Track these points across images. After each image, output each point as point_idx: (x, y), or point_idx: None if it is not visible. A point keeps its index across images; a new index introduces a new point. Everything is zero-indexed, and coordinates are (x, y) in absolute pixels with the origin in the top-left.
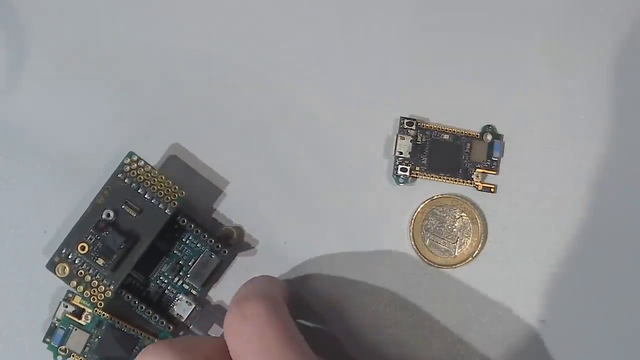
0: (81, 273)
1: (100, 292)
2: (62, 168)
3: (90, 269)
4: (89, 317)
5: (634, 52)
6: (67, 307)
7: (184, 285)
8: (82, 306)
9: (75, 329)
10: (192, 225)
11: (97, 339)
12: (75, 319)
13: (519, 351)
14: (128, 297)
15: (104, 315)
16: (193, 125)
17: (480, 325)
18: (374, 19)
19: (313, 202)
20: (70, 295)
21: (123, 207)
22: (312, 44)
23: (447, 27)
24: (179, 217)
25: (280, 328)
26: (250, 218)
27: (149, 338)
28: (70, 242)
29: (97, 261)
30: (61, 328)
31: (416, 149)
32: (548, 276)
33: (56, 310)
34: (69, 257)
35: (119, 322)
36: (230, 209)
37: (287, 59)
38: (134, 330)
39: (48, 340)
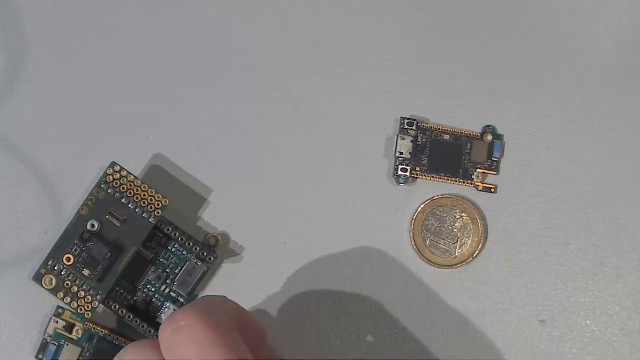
0: (67, 284)
1: (87, 303)
2: (64, 165)
3: (76, 280)
4: (80, 331)
5: (634, 51)
6: (57, 322)
7: (170, 293)
8: (73, 321)
9: (67, 344)
10: (177, 233)
11: (88, 353)
12: (66, 334)
13: (519, 351)
14: (115, 307)
15: (94, 329)
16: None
17: (480, 325)
18: (374, 19)
19: (313, 202)
20: (61, 310)
21: (107, 217)
22: (311, 44)
23: (447, 27)
24: (163, 226)
25: (218, 338)
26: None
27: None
28: (55, 253)
29: (82, 272)
30: (52, 343)
31: (416, 149)
32: (548, 276)
33: (47, 326)
34: (55, 268)
35: (110, 335)
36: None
37: (287, 60)
38: (125, 342)
39: (40, 356)
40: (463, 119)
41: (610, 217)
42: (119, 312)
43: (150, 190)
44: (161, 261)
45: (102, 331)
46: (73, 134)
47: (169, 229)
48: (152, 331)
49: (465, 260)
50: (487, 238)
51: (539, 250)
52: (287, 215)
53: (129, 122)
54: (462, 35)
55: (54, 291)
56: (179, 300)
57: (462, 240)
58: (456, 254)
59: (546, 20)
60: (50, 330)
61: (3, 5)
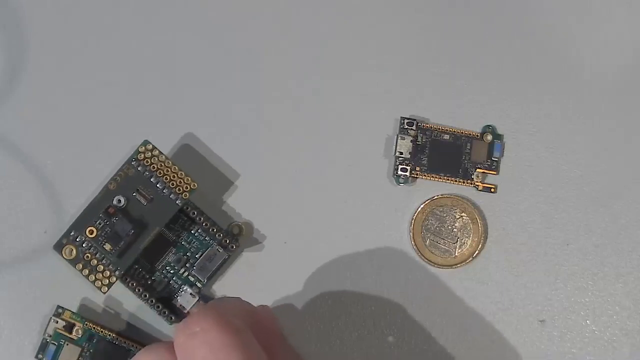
0: (87, 257)
1: (105, 277)
2: (64, 165)
3: (97, 253)
4: (80, 331)
5: (634, 52)
6: (57, 322)
7: (189, 277)
8: (73, 321)
9: (67, 344)
10: (202, 218)
11: (88, 353)
12: (66, 334)
13: (519, 351)
14: (132, 285)
15: (94, 329)
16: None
17: (480, 325)
18: (374, 19)
19: (313, 202)
20: (61, 310)
21: (134, 194)
22: (311, 44)
23: (447, 27)
24: (189, 209)
25: (231, 340)
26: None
27: (140, 349)
28: (79, 225)
29: (104, 246)
30: (52, 343)
31: (416, 149)
32: (548, 276)
33: (47, 326)
34: (77, 240)
35: (110, 335)
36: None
37: (287, 60)
38: (125, 342)
39: (40, 356)
40: (463, 119)
41: (610, 217)
42: (136, 290)
43: (180, 172)
44: (183, 244)
45: (102, 331)
46: (73, 134)
47: (194, 213)
48: (166, 312)
49: (465, 260)
50: (487, 238)
51: (539, 250)
52: (287, 215)
53: (129, 122)
54: (462, 35)
55: (73, 262)
56: (196, 285)
57: (462, 240)
58: (456, 254)
59: (546, 21)
60: (50, 330)
61: (3, 5)
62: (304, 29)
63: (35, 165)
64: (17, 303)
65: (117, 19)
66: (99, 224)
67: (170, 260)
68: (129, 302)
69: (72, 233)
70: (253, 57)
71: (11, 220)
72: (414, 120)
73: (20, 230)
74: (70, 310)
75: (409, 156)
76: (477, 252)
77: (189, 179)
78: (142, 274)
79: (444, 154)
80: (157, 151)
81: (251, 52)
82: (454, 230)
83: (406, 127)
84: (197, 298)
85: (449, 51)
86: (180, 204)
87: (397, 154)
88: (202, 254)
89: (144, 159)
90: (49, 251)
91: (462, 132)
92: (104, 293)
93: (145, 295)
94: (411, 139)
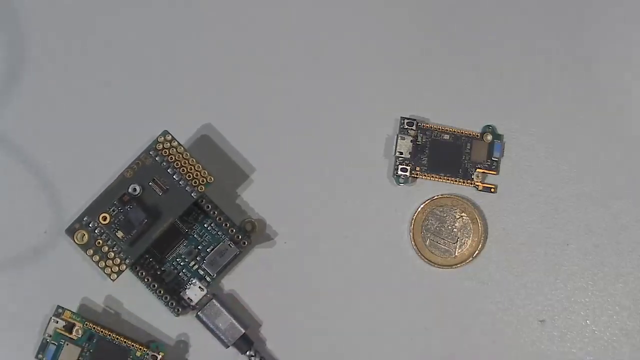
0: (99, 243)
1: (115, 265)
2: (64, 165)
3: (108, 240)
4: (80, 331)
5: (635, 51)
6: (57, 322)
7: (199, 270)
8: (73, 321)
9: (67, 344)
10: (216, 212)
11: (88, 353)
12: (66, 334)
13: (519, 351)
14: (142, 274)
15: (94, 329)
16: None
17: (480, 325)
18: (374, 19)
19: (313, 201)
20: (61, 310)
21: (150, 184)
22: (311, 44)
23: (447, 27)
24: (203, 202)
25: None
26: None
27: (140, 349)
28: (92, 210)
29: (116, 233)
30: (52, 343)
31: (416, 149)
32: (548, 276)
33: (47, 326)
34: (90, 225)
35: (110, 335)
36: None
37: (287, 59)
38: (124, 342)
39: (40, 356)
40: (463, 119)
41: (610, 217)
42: (145, 279)
43: (197, 165)
44: (195, 237)
45: (102, 331)
46: (73, 133)
47: (208, 207)
48: (173, 304)
49: (465, 260)
50: (487, 238)
51: (539, 250)
52: (287, 216)
53: (129, 122)
54: (462, 35)
55: (84, 247)
56: (205, 278)
57: (462, 240)
58: (456, 254)
59: (546, 21)
60: (50, 330)
61: (3, 5)
62: (304, 29)
63: (35, 165)
64: (17, 303)
65: (118, 19)
66: (113, 211)
67: (181, 252)
68: (129, 302)
69: (85, 218)
70: (256, 58)
71: (11, 220)
72: (414, 120)
73: (20, 230)
74: (70, 310)
75: (409, 156)
76: (477, 252)
77: (206, 172)
78: (152, 264)
79: (444, 154)
80: (176, 142)
81: (255, 52)
82: (454, 230)
83: (406, 127)
84: (205, 292)
85: (449, 51)
86: (195, 197)
87: (397, 154)
88: (213, 248)
89: (162, 149)
90: (49, 251)
91: (462, 132)
92: (113, 280)
93: (154, 286)
94: (411, 139)
